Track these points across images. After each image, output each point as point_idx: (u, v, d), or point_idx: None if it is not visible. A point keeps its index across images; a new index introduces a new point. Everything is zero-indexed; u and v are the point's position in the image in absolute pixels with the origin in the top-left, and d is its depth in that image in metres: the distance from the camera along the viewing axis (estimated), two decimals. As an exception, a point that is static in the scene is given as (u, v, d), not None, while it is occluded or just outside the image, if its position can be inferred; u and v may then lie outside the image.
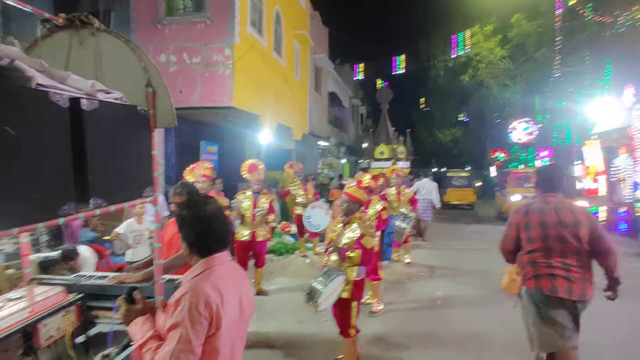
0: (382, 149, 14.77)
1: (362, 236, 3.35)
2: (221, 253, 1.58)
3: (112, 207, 1.89)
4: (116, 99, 1.92)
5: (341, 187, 14.49)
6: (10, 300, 2.12)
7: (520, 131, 21.08)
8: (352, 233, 3.42)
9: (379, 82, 30.78)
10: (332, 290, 3.13)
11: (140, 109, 2.10)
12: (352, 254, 3.30)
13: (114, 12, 8.46)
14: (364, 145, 24.01)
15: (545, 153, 19.62)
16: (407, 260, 7.34)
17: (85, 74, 1.98)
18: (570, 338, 2.61)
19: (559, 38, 13.44)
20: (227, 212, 5.20)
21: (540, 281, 2.68)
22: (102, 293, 2.46)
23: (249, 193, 5.70)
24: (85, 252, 4.53)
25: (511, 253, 2.92)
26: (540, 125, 19.93)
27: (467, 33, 18.45)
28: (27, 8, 2.13)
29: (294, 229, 8.74)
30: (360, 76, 29.59)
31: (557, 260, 2.65)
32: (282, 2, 12.06)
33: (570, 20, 13.34)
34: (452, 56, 19.78)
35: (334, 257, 3.49)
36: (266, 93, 10.59)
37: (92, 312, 2.43)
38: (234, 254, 5.39)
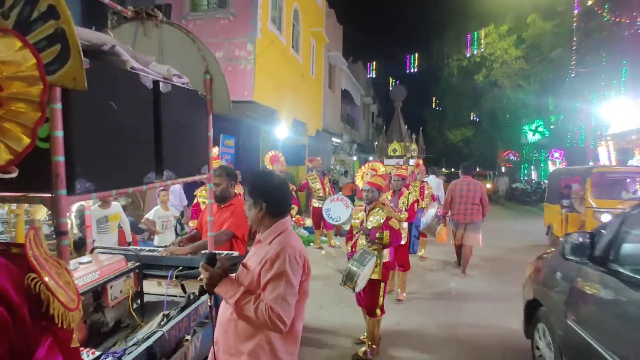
0: (395, 147, 14.87)
1: (388, 218, 3.55)
2: (287, 217, 1.81)
3: (180, 180, 2.12)
4: (184, 83, 2.14)
5: (346, 174, 14.68)
6: (81, 263, 2.36)
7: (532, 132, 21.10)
8: (377, 217, 3.61)
9: (392, 81, 30.81)
10: (367, 272, 3.33)
11: (201, 94, 2.32)
12: (381, 235, 3.49)
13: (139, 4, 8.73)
14: (376, 142, 24.15)
15: (558, 154, 19.56)
16: (422, 254, 7.51)
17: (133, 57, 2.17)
18: (464, 239, 6.38)
19: (575, 38, 13.43)
20: None
21: (458, 216, 6.37)
22: (155, 263, 2.69)
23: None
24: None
25: (448, 206, 6.52)
26: (553, 126, 19.86)
27: (482, 32, 18.44)
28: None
29: (308, 222, 8.95)
30: (373, 74, 29.67)
31: (466, 207, 6.29)
32: (300, 0, 12.27)
33: (587, 20, 13.32)
34: (467, 55, 19.76)
35: (363, 240, 3.68)
36: (284, 88, 10.81)
37: (147, 279, 2.67)
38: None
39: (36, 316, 0.83)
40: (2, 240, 1.01)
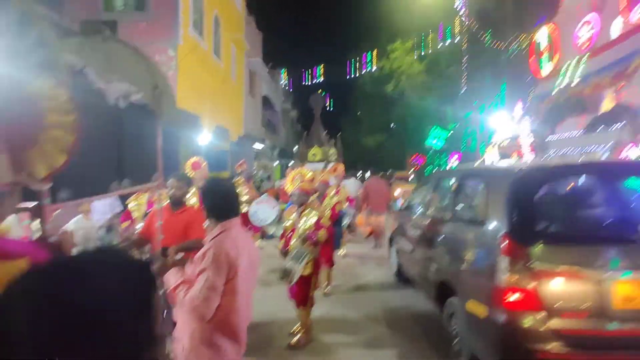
0: (315, 152, 15.59)
1: (320, 218, 4.03)
2: (234, 218, 2.09)
3: (135, 188, 2.31)
4: (137, 98, 2.33)
5: (269, 178, 15.01)
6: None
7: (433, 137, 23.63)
8: (309, 218, 4.07)
9: (309, 88, 31.86)
10: (301, 268, 3.74)
11: (150, 107, 2.51)
12: (319, 235, 3.95)
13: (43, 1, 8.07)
14: (296, 147, 24.75)
15: (455, 157, 22.22)
16: (343, 253, 8.16)
17: (98, 77, 2.34)
18: (376, 221, 8.77)
19: (465, 58, 15.61)
20: None
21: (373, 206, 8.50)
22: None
23: (193, 190, 5.98)
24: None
25: (365, 199, 8.58)
26: (452, 132, 22.53)
27: (390, 47, 20.24)
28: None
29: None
30: (292, 81, 30.38)
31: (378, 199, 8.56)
32: (221, 6, 12.31)
33: (474, 42, 15.57)
34: (362, 73, 21.53)
35: (295, 240, 4.09)
36: (206, 94, 10.77)
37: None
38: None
39: None
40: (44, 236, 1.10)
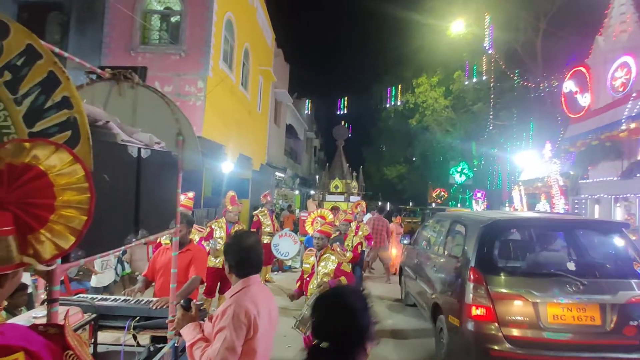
0: (337, 184, 15.51)
1: (339, 264, 3.86)
2: (255, 275, 2.02)
3: (151, 237, 2.25)
4: (161, 147, 2.31)
5: (290, 208, 14.96)
6: (36, 317, 2.31)
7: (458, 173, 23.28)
8: (330, 264, 3.91)
9: (332, 117, 32.24)
10: None
11: (174, 154, 2.49)
12: (339, 283, 3.78)
13: (86, 33, 8.55)
14: (318, 176, 24.78)
15: (480, 194, 21.69)
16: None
17: (122, 120, 2.34)
18: (381, 257, 9.38)
19: (492, 96, 15.45)
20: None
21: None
22: (112, 313, 2.70)
23: (222, 222, 5.97)
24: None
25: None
26: (476, 169, 22.11)
27: (415, 82, 20.35)
28: (76, 59, 2.46)
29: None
30: (317, 111, 30.87)
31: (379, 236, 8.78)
32: (251, 40, 12.74)
33: (501, 81, 15.42)
34: (386, 105, 21.63)
35: (314, 285, 3.93)
36: (231, 124, 10.98)
37: (102, 330, 2.66)
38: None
39: None
40: (39, 323, 1.09)
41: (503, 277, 3.73)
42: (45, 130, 1.44)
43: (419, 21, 19.03)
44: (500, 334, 3.51)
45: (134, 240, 1.99)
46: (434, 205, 31.46)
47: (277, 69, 17.18)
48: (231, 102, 10.93)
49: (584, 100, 10.20)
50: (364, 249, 7.42)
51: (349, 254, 5.69)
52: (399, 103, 21.97)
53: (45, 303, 2.67)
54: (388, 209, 31.32)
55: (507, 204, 15.03)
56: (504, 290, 3.62)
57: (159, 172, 2.29)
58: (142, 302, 2.85)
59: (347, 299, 1.27)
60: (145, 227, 2.13)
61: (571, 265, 3.78)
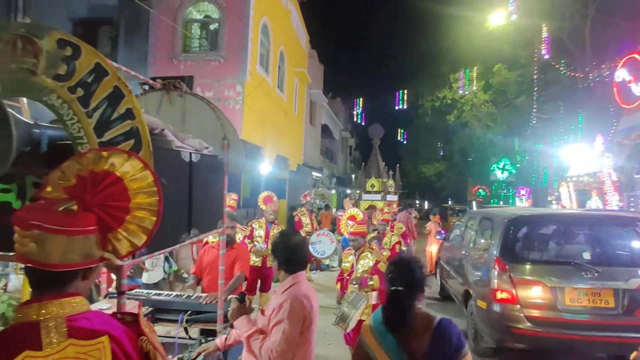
0: (373, 183, 15.44)
1: (377, 262, 3.90)
2: (302, 271, 2.17)
3: (202, 236, 2.40)
4: (209, 151, 2.46)
5: (327, 207, 15.10)
6: (101, 309, 2.54)
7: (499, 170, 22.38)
8: (367, 261, 3.95)
9: (369, 117, 32.03)
10: (358, 314, 3.61)
11: (220, 157, 2.64)
12: (371, 281, 3.82)
13: (133, 45, 9.07)
14: (354, 175, 24.75)
15: (524, 192, 20.72)
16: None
17: (173, 126, 2.51)
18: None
19: (536, 88, 14.72)
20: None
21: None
22: (166, 307, 2.90)
23: (262, 222, 6.16)
24: None
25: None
26: (519, 165, 21.15)
27: (453, 77, 19.79)
28: (131, 72, 2.67)
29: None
30: (352, 110, 30.83)
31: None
32: (286, 42, 12.97)
33: (546, 72, 14.65)
34: (439, 97, 21.06)
35: (352, 287, 3.99)
36: (268, 126, 11.24)
37: (156, 323, 2.86)
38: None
39: None
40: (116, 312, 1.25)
41: (524, 266, 4.28)
42: (112, 139, 1.60)
43: (455, 15, 18.51)
44: (522, 315, 4.05)
45: (187, 239, 2.15)
46: (474, 203, 30.50)
47: (311, 70, 17.36)
48: (268, 104, 11.20)
49: (639, 89, 9.53)
50: (403, 248, 7.36)
51: (387, 253, 5.69)
52: (435, 99, 21.45)
53: (108, 296, 2.92)
54: (426, 207, 30.68)
55: (554, 202, 14.29)
56: (525, 277, 4.17)
57: (207, 175, 2.44)
58: (193, 298, 3.04)
59: (411, 261, 1.99)
60: (197, 226, 2.28)
61: (587, 255, 4.29)
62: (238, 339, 2.35)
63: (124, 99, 1.62)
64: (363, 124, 30.82)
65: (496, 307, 4.18)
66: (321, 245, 7.23)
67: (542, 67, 14.41)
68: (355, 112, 30.77)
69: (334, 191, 22.96)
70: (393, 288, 1.87)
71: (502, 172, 23.42)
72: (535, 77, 14.48)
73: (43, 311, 0.99)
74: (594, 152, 12.26)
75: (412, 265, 1.93)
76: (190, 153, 2.19)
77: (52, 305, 1.01)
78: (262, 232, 6.05)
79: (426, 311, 1.89)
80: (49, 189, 1.11)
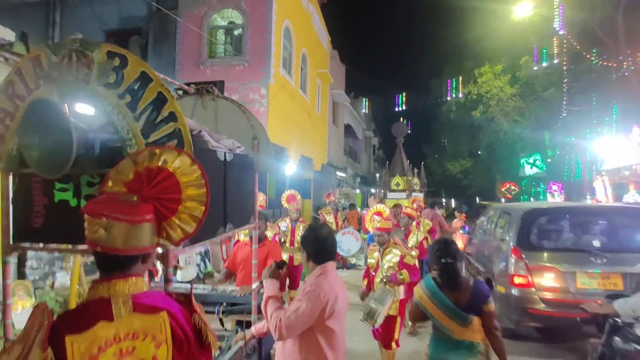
0: (398, 181, 15.33)
1: (403, 256, 3.94)
2: (331, 262, 2.24)
3: (236, 231, 2.54)
4: (241, 151, 2.60)
5: (352, 206, 15.13)
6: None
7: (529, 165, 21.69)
8: (393, 256, 4.00)
9: (390, 115, 31.78)
10: (386, 309, 3.67)
11: (251, 157, 2.78)
12: (401, 276, 3.86)
13: (161, 53, 9.45)
14: (378, 175, 24.63)
15: (556, 187, 20.03)
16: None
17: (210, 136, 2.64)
18: None
19: (566, 80, 14.23)
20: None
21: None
22: (203, 300, 3.06)
23: (288, 220, 6.31)
24: None
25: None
26: (550, 160, 20.45)
27: (477, 72, 19.39)
28: (168, 79, 2.84)
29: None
30: (374, 109, 30.68)
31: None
32: (308, 45, 13.12)
33: (576, 63, 14.16)
34: (463, 94, 20.69)
35: (379, 282, 4.04)
36: (293, 127, 11.42)
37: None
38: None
39: (198, 343, 1.23)
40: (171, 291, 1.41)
41: (538, 254, 4.73)
42: (157, 140, 1.74)
43: (478, 8, 18.16)
44: (536, 297, 4.51)
45: (223, 232, 2.29)
46: (503, 200, 29.67)
47: (333, 70, 17.46)
48: (292, 106, 11.38)
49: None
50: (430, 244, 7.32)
51: (415, 252, 5.69)
52: (460, 95, 21.05)
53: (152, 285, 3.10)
54: (453, 206, 30.07)
55: (588, 196, 13.78)
56: (539, 264, 4.62)
57: (240, 173, 2.58)
58: (228, 291, 3.19)
59: (450, 240, 2.78)
60: (231, 221, 2.42)
61: (597, 243, 4.74)
62: None
63: (167, 103, 1.77)
64: (386, 122, 30.58)
65: (514, 291, 4.65)
66: (346, 243, 7.29)
67: (572, 58, 13.93)
68: (378, 111, 30.57)
69: (358, 190, 22.96)
70: (443, 260, 2.55)
71: (532, 168, 22.71)
72: (565, 68, 14.01)
73: (112, 289, 1.14)
74: (630, 144, 11.75)
75: (452, 243, 2.70)
76: (225, 152, 2.33)
77: (118, 284, 1.15)
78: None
79: (466, 275, 2.75)
80: (110, 184, 1.26)
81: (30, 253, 4.82)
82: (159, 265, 3.37)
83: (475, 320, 2.53)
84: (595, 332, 3.30)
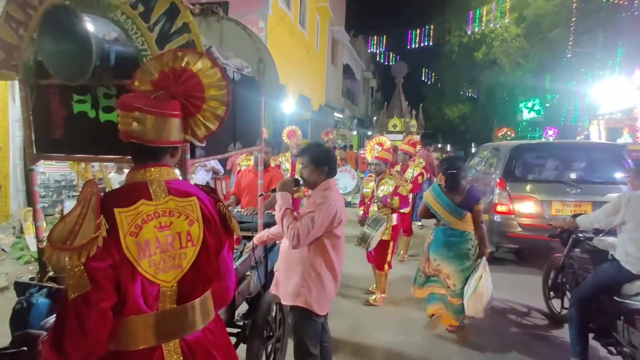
0: (395, 122, 15.33)
1: (396, 187, 4.15)
2: (333, 178, 2.43)
3: (244, 150, 2.67)
4: (248, 72, 2.65)
5: (349, 147, 15.29)
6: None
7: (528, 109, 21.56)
8: (387, 187, 4.21)
9: (392, 56, 30.71)
10: (379, 234, 3.94)
11: (257, 79, 2.83)
12: (392, 200, 4.10)
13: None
14: (375, 117, 24.46)
15: (552, 132, 20.13)
16: (421, 222, 8.20)
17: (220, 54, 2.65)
18: None
19: (575, 19, 13.72)
20: None
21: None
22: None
23: (288, 156, 6.44)
24: None
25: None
26: (548, 105, 20.31)
27: (484, 10, 18.52)
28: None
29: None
30: (374, 49, 29.60)
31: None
32: (307, -25, 12.38)
33: (587, 1, 13.57)
34: (468, 32, 19.91)
35: (374, 207, 4.28)
36: (291, 64, 11.15)
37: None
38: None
39: (223, 228, 1.41)
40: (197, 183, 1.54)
41: (521, 184, 5.36)
42: (173, 51, 1.80)
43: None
44: (515, 222, 5.24)
45: (233, 149, 2.42)
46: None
47: (333, 4, 16.62)
48: (290, 41, 11.02)
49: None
50: (426, 179, 7.55)
51: (409, 185, 5.92)
52: (462, 34, 20.28)
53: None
54: (449, 150, 30.21)
55: (578, 139, 13.97)
56: (520, 193, 5.28)
57: (247, 94, 2.65)
58: (235, 211, 3.41)
59: (455, 157, 4.20)
60: (240, 140, 2.54)
61: (574, 176, 5.34)
62: (273, 238, 2.71)
63: (180, 14, 1.80)
64: (386, 63, 29.68)
65: (496, 218, 5.36)
66: (343, 180, 7.49)
67: (582, -5, 13.33)
68: (378, 51, 29.54)
69: (355, 132, 22.94)
70: (449, 171, 3.52)
71: (530, 112, 22.63)
72: (574, 6, 13.45)
73: (148, 175, 1.28)
74: (631, 87, 11.70)
75: (458, 159, 3.83)
76: (233, 71, 2.38)
77: (153, 171, 1.29)
78: (288, 165, 6.34)
79: (464, 182, 3.61)
80: (137, 83, 1.35)
81: (38, 181, 4.99)
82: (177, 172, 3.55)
83: (468, 216, 3.45)
84: (561, 250, 3.85)
